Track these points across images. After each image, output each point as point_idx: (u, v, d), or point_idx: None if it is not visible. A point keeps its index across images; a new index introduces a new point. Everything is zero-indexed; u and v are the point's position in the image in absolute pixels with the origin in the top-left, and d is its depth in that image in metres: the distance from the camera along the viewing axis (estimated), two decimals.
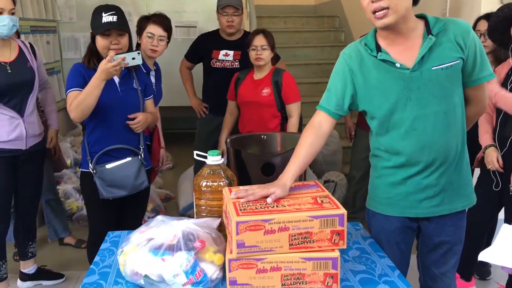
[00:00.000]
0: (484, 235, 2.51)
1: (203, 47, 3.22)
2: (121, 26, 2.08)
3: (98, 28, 2.07)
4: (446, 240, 1.64)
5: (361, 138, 3.29)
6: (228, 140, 2.38)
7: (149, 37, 2.52)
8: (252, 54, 2.70)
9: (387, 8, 1.43)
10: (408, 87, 1.49)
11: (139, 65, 2.17)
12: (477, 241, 2.47)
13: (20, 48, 2.45)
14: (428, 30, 1.49)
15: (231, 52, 3.15)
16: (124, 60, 2.01)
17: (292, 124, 2.75)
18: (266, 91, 2.71)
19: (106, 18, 2.05)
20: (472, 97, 1.59)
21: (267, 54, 2.70)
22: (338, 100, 1.59)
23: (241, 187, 1.47)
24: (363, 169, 3.31)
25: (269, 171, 2.52)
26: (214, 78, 3.18)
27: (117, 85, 2.17)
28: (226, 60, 3.16)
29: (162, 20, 2.57)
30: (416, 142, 1.53)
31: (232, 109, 2.91)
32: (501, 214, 2.47)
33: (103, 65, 1.98)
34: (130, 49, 2.17)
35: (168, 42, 2.63)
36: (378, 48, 1.53)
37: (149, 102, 2.32)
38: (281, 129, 2.77)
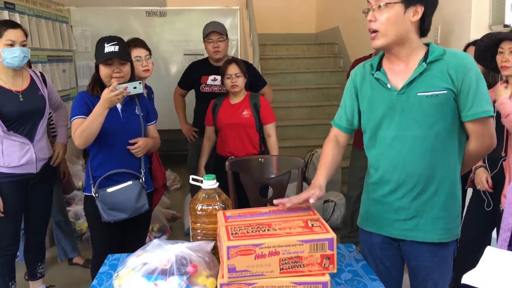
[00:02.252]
0: (478, 254, 2.43)
1: (194, 74, 3.26)
2: (122, 55, 2.08)
3: (100, 57, 2.07)
4: (422, 266, 1.56)
5: (357, 158, 3.24)
6: (227, 163, 2.35)
7: (138, 60, 2.49)
8: (228, 82, 2.78)
9: (377, 31, 1.46)
10: (393, 108, 1.51)
11: (142, 92, 2.16)
12: (470, 262, 2.38)
13: (31, 78, 2.46)
14: (425, 57, 1.48)
15: (219, 77, 3.16)
16: (126, 89, 2.01)
17: (273, 143, 2.84)
18: (246, 112, 2.80)
19: (108, 48, 2.05)
20: (471, 132, 1.50)
21: (241, 81, 2.78)
22: (348, 116, 1.65)
23: (282, 199, 1.46)
24: (359, 189, 3.23)
25: (266, 192, 2.49)
26: (204, 102, 3.18)
27: (120, 111, 2.16)
28: (215, 85, 3.19)
29: (140, 41, 2.54)
30: (390, 161, 1.53)
31: (210, 135, 2.94)
32: (495, 233, 2.40)
33: (106, 94, 1.98)
34: (132, 77, 2.17)
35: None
36: (379, 68, 1.56)
37: (151, 127, 2.30)
38: (260, 148, 2.84)
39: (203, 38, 3.17)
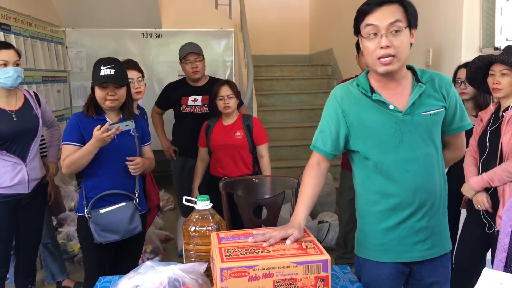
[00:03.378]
0: (472, 277, 2.42)
1: (172, 95, 3.30)
2: (117, 80, 2.09)
3: (96, 80, 2.09)
4: (436, 281, 1.59)
5: (345, 180, 3.24)
6: (221, 183, 2.35)
7: (130, 82, 2.47)
8: (220, 104, 2.81)
9: (394, 56, 1.44)
10: (400, 129, 1.49)
11: (137, 112, 2.17)
12: (466, 284, 2.37)
13: (25, 97, 2.46)
14: (416, 79, 1.52)
15: (199, 97, 3.23)
16: (117, 129, 2.03)
17: (266, 163, 2.85)
18: (239, 134, 2.81)
19: (104, 71, 2.06)
20: (451, 143, 1.64)
21: (233, 102, 2.81)
22: (333, 141, 1.57)
23: (254, 232, 1.42)
24: (349, 210, 3.23)
25: (260, 213, 2.48)
26: (185, 122, 3.25)
27: None
28: (195, 106, 3.23)
29: (133, 64, 2.55)
30: (410, 184, 1.50)
31: (204, 156, 2.95)
32: (489, 254, 2.39)
33: (98, 135, 2.00)
34: (128, 98, 2.18)
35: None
36: (372, 90, 1.53)
37: (146, 148, 2.31)
38: (253, 169, 2.85)
39: (180, 60, 3.21)
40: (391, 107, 1.50)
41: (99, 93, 2.10)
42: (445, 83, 1.54)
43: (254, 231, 1.42)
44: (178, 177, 3.36)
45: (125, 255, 2.27)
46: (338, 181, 4.41)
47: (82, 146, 2.08)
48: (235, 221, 2.39)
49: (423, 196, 1.51)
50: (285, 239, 1.36)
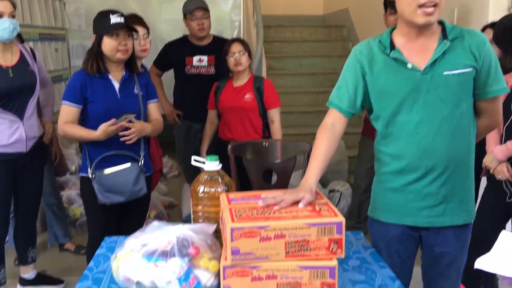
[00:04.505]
0: (491, 244, 2.45)
1: (174, 55, 3.22)
2: (129, 26, 2.10)
3: (106, 29, 2.07)
4: (447, 252, 1.60)
5: (366, 147, 3.24)
6: (229, 146, 2.35)
7: (135, 39, 2.45)
8: (231, 61, 2.76)
9: (436, 5, 1.41)
10: (417, 90, 1.48)
11: (141, 70, 2.17)
12: (484, 250, 2.40)
13: (21, 52, 2.46)
14: (444, 35, 1.49)
15: (204, 57, 3.17)
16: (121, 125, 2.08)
17: (276, 129, 2.82)
18: (248, 96, 2.78)
19: (115, 19, 2.06)
20: (484, 110, 1.58)
21: (245, 60, 2.77)
22: (350, 97, 1.56)
23: (263, 195, 1.42)
24: (367, 179, 3.24)
25: (270, 178, 2.49)
26: (190, 85, 3.19)
27: (117, 91, 2.16)
28: (201, 66, 3.18)
29: (138, 19, 2.51)
30: (417, 147, 1.51)
31: (213, 119, 2.95)
32: (509, 224, 2.41)
33: (105, 127, 2.05)
34: (132, 54, 2.17)
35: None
36: (392, 47, 1.51)
37: (152, 107, 2.30)
38: (263, 134, 2.84)
39: (184, 16, 3.14)
40: (409, 66, 1.48)
41: (110, 43, 2.08)
42: (478, 41, 1.49)
43: (263, 194, 1.43)
44: (183, 142, 3.35)
45: (129, 218, 2.31)
46: (350, 149, 4.46)
47: (80, 108, 2.12)
48: (244, 186, 2.40)
49: (431, 161, 1.51)
50: (297, 202, 1.38)
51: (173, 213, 3.90)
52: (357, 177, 3.47)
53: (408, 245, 1.62)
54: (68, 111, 2.13)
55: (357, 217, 3.45)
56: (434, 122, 1.49)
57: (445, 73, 1.47)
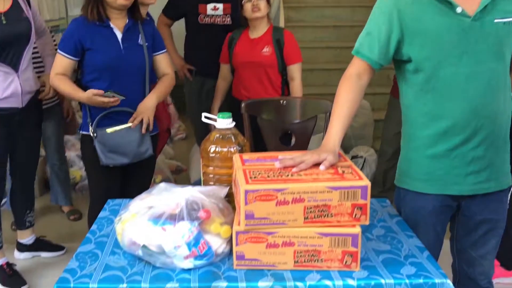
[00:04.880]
0: None
1: (186, 2, 3.15)
2: None
3: None
4: (489, 218, 1.60)
5: (395, 109, 3.18)
6: (243, 105, 2.35)
7: None
8: (248, 6, 2.68)
9: None
10: (466, 38, 1.44)
11: (146, 17, 2.15)
12: None
13: None
14: None
15: (220, 5, 3.09)
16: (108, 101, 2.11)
17: (297, 87, 2.78)
18: (267, 50, 2.73)
19: None
20: None
21: (263, 5, 2.69)
22: (382, 45, 1.51)
23: (281, 156, 1.41)
24: (396, 144, 3.21)
25: (288, 141, 2.50)
26: (203, 36, 3.13)
27: (120, 41, 2.16)
28: (216, 15, 3.11)
29: None
30: (467, 104, 1.47)
31: (226, 74, 2.91)
32: None
33: (90, 94, 2.09)
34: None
35: None
36: None
37: (161, 59, 2.29)
38: (282, 93, 2.79)
39: None
40: (459, 10, 1.43)
41: None
42: None
43: (281, 155, 1.42)
44: (195, 100, 3.33)
45: (133, 182, 2.35)
46: (376, 111, 4.42)
47: (75, 60, 2.15)
48: (259, 149, 2.42)
49: (481, 120, 1.48)
50: (317, 165, 1.37)
51: (180, 179, 3.95)
52: (384, 142, 3.45)
53: (444, 216, 1.62)
54: (61, 62, 2.15)
55: (382, 186, 3.46)
56: (484, 76, 1.45)
57: (496, 20, 1.43)
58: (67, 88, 2.17)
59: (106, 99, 2.10)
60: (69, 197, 3.36)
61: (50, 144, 3.13)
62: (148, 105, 2.21)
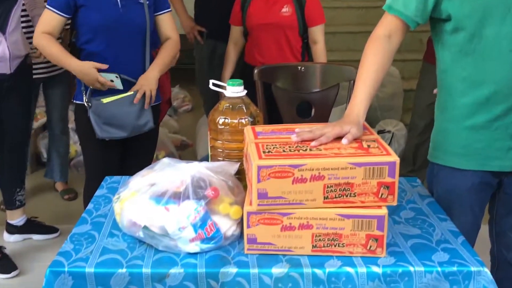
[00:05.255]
0: None
1: None
2: None
3: None
4: None
5: (429, 77, 3.16)
6: (256, 71, 2.33)
7: None
8: None
9: None
10: None
11: None
12: None
13: None
14: None
15: None
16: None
17: (320, 51, 2.77)
18: (286, 9, 2.71)
19: None
20: None
21: None
22: (419, 1, 1.49)
23: (298, 129, 1.40)
24: (429, 116, 3.21)
25: (306, 112, 2.49)
26: None
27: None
28: None
29: None
30: (511, 69, 1.45)
31: (237, 38, 2.90)
32: None
33: (90, 66, 2.12)
34: None
35: None
36: None
37: (164, 19, 2.28)
38: (302, 58, 2.78)
39: None
40: None
41: None
42: None
43: (298, 128, 1.41)
44: (206, 67, 3.32)
45: (134, 156, 2.37)
46: (407, 80, 4.38)
47: (65, 17, 2.14)
48: (273, 121, 2.41)
49: None
50: (339, 138, 1.36)
51: (186, 155, 3.97)
52: (415, 115, 3.43)
53: (483, 196, 1.61)
54: (49, 19, 2.13)
55: (412, 164, 3.44)
56: None
57: None
58: (55, 50, 2.15)
59: (103, 80, 2.11)
60: (66, 173, 3.41)
61: (54, 113, 3.19)
62: (150, 78, 2.21)
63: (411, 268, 1.24)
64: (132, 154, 2.37)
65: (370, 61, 1.51)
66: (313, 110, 2.46)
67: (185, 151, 4.04)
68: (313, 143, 1.32)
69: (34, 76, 2.79)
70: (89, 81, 2.13)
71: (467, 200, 1.59)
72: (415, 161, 3.44)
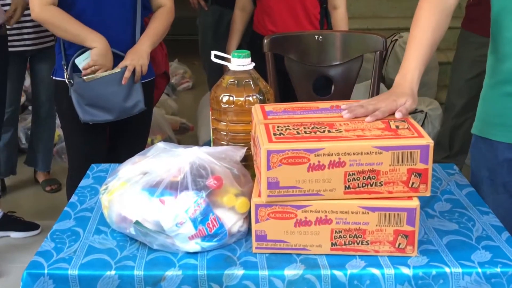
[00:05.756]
0: None
1: None
2: None
3: None
4: None
5: (468, 48, 3.15)
6: (265, 41, 2.32)
7: None
8: None
9: None
10: None
11: None
12: None
13: None
14: None
15: None
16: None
17: (342, 17, 2.79)
18: None
19: None
20: None
21: None
22: None
23: (344, 105, 1.39)
24: (467, 95, 3.20)
25: (325, 89, 2.47)
26: None
27: None
28: None
29: None
30: None
31: (245, 3, 2.91)
32: None
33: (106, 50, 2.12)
34: None
35: None
36: None
37: None
38: (321, 26, 2.79)
39: None
40: None
41: None
42: None
43: (345, 105, 1.40)
44: (211, 37, 3.34)
45: (123, 143, 2.40)
46: (442, 52, 4.36)
47: None
48: (285, 99, 2.40)
49: None
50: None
51: (186, 140, 4.00)
52: (452, 92, 3.41)
53: None
54: None
55: (448, 149, 3.43)
56: None
57: None
58: (72, 26, 2.13)
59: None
60: (49, 162, 3.45)
61: (40, 91, 3.23)
62: (140, 52, 2.22)
63: (447, 270, 1.23)
64: (121, 140, 2.40)
65: (425, 19, 1.52)
66: (332, 87, 2.45)
67: (185, 136, 4.07)
68: (368, 119, 1.34)
69: (21, 49, 2.80)
70: (105, 63, 2.15)
71: (500, 177, 1.59)
72: (451, 146, 3.42)
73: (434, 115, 3.73)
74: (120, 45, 2.22)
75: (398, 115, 1.35)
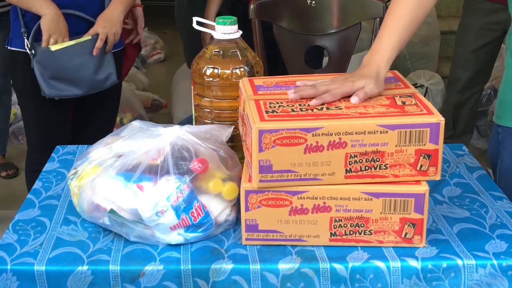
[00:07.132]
0: None
1: None
2: None
3: None
4: None
5: (474, 13, 3.15)
6: (251, 6, 2.31)
7: None
8: None
9: None
10: None
11: None
12: None
13: None
14: None
15: None
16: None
17: None
18: None
19: None
20: None
21: None
22: None
23: (299, 82, 1.40)
24: (474, 67, 3.22)
25: (318, 60, 2.47)
26: None
27: None
28: None
29: None
30: None
31: None
32: None
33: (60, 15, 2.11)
34: None
35: None
36: None
37: None
38: None
39: None
40: None
41: None
42: None
43: (299, 81, 1.40)
44: (188, 1, 3.34)
45: (90, 122, 2.40)
46: (444, 19, 4.38)
47: None
48: (275, 72, 2.40)
49: None
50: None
51: (158, 118, 3.99)
52: (457, 64, 3.42)
53: None
54: None
55: (451, 128, 3.45)
56: None
57: None
58: None
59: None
60: (5, 144, 3.44)
61: None
62: (113, 18, 2.22)
63: (459, 262, 1.24)
64: (87, 118, 2.39)
65: None
66: (326, 58, 2.45)
67: (158, 114, 4.08)
68: (312, 102, 1.31)
69: None
70: (57, 30, 2.12)
71: None
72: (455, 125, 3.45)
73: (436, 90, 3.75)
74: (87, 9, 2.21)
75: (353, 99, 1.31)
